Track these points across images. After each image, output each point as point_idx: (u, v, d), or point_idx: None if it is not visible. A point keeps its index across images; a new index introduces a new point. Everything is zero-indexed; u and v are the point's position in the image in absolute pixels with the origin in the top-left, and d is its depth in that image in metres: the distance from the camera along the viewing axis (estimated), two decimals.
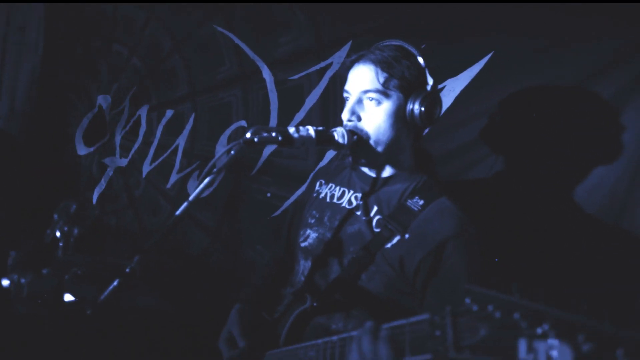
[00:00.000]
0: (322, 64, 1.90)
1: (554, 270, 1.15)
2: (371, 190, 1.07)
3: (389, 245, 0.97)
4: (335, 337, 0.81)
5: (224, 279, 2.23)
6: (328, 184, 1.18)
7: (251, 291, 1.25)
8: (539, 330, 0.43)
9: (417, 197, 0.99)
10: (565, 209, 1.18)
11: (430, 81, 1.02)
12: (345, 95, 1.05)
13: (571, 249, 1.15)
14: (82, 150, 3.38)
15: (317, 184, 1.23)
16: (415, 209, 0.97)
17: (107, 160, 3.14)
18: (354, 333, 0.76)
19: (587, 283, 1.10)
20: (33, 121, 3.68)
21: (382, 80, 0.97)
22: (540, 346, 0.43)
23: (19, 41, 3.68)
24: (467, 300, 0.52)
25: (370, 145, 1.00)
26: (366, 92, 0.99)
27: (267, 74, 2.13)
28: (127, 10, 3.09)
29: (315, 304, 0.99)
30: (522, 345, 0.44)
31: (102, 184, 3.14)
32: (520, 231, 1.23)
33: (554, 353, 0.42)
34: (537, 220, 1.21)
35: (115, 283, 0.81)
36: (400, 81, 0.98)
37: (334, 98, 1.86)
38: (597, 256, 1.10)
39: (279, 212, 2.01)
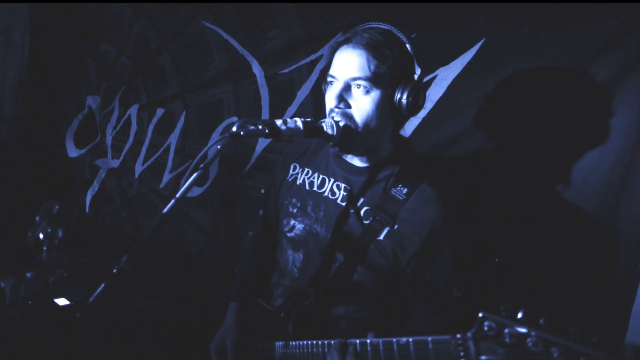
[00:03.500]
0: (312, 57, 1.88)
1: (553, 257, 1.14)
2: (345, 177, 1.06)
3: (381, 237, 0.97)
4: (355, 340, 0.85)
5: (221, 277, 2.21)
6: (304, 169, 1.16)
7: (241, 285, 1.25)
8: (549, 356, 0.53)
9: (400, 186, 1.00)
10: (562, 195, 1.17)
11: (418, 70, 1.00)
12: (329, 79, 1.01)
13: (568, 236, 1.14)
14: (73, 152, 3.34)
15: (292, 167, 1.19)
16: (400, 197, 0.98)
17: (99, 162, 3.10)
18: (371, 339, 0.82)
19: (583, 271, 1.10)
20: (22, 124, 3.63)
21: (372, 68, 0.94)
22: None
23: (5, 43, 3.62)
24: (486, 324, 0.62)
25: (357, 134, 0.99)
26: (355, 79, 0.96)
27: (257, 68, 2.11)
28: (114, 9, 3.04)
29: (313, 302, 0.99)
30: None
31: (95, 185, 3.11)
32: (517, 219, 1.22)
33: None
34: (534, 208, 1.20)
35: (102, 285, 0.79)
36: (390, 70, 0.95)
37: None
38: (593, 243, 1.10)
39: None
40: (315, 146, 1.20)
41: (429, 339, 0.72)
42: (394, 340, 0.77)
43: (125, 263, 0.80)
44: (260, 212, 1.33)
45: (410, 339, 0.75)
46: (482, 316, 0.63)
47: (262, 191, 2.06)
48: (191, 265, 2.38)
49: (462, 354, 0.66)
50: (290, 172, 1.18)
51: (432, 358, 0.71)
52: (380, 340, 0.79)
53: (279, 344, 1.04)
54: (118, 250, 2.88)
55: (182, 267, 2.41)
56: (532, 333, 0.56)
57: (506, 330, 0.59)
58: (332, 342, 0.86)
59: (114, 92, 3.04)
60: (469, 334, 0.65)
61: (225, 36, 2.26)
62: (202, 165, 0.84)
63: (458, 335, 0.67)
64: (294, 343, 1.00)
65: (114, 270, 0.78)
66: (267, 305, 1.13)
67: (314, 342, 0.94)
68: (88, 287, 0.81)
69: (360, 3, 1.69)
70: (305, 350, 0.96)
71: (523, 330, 0.57)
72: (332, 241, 1.02)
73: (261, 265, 1.26)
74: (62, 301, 1.68)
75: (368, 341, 0.81)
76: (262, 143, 2.07)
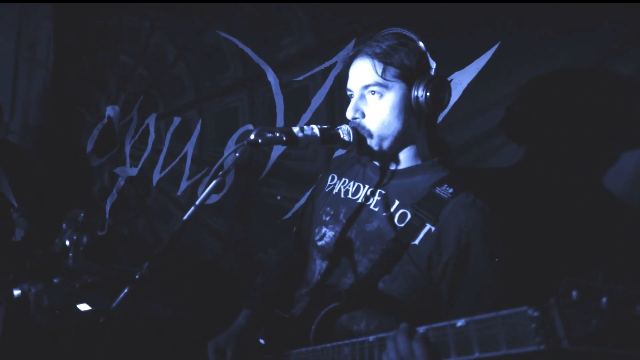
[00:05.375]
0: (327, 64, 1.89)
1: (581, 256, 1.11)
2: (382, 181, 1.03)
3: (416, 242, 0.93)
4: (371, 337, 0.82)
5: (237, 283, 2.23)
6: (341, 179, 1.15)
7: (257, 295, 1.23)
8: None
9: (445, 185, 0.95)
10: (591, 194, 1.14)
11: (433, 65, 0.99)
12: (348, 93, 1.03)
13: (599, 234, 1.11)
14: (93, 161, 3.43)
15: (330, 177, 1.19)
16: (445, 196, 0.93)
17: (118, 170, 3.18)
18: (390, 334, 0.77)
19: (617, 267, 1.06)
20: (46, 135, 3.76)
21: (380, 72, 0.94)
22: None
23: (30, 58, 3.77)
24: (574, 293, 0.51)
25: (373, 142, 0.98)
26: (366, 86, 0.97)
27: (271, 76, 2.13)
28: (132, 22, 3.13)
29: (338, 304, 0.96)
30: None
31: (114, 194, 3.18)
32: (545, 218, 1.19)
33: None
34: (561, 206, 1.17)
35: (125, 290, 0.80)
36: (400, 69, 0.95)
37: (340, 98, 1.84)
38: (628, 239, 1.06)
39: (289, 214, 2.00)
40: (354, 156, 1.18)
41: (497, 314, 0.61)
42: (451, 322, 0.68)
43: (146, 269, 0.82)
44: (294, 228, 1.32)
45: (474, 318, 0.65)
46: (568, 281, 0.51)
47: (278, 197, 2.08)
48: (206, 272, 2.40)
49: (542, 329, 0.55)
50: (328, 183, 1.18)
51: (502, 337, 0.60)
52: (437, 325, 0.71)
53: (295, 352, 1.01)
54: (136, 257, 2.93)
55: (197, 274, 2.44)
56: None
57: (603, 299, 0.48)
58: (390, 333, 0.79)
59: (132, 102, 3.11)
60: (552, 301, 0.54)
61: (240, 45, 2.30)
62: (220, 172, 0.86)
63: (532, 311, 0.56)
64: (310, 348, 0.96)
65: (137, 277, 0.80)
66: (284, 314, 1.10)
67: (330, 344, 0.90)
68: (110, 293, 0.83)
69: (373, 9, 1.70)
70: (324, 354, 0.91)
71: (626, 293, 0.47)
72: (360, 246, 1.00)
73: (284, 280, 1.24)
74: (83, 307, 1.72)
75: (434, 326, 0.73)
76: (277, 150, 2.09)
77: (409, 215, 0.96)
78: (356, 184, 1.10)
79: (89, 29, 3.52)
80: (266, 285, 1.26)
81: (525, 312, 0.58)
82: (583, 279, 0.51)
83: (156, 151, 2.85)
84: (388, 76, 0.95)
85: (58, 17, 3.72)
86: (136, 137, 3.04)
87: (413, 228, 0.93)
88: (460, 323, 0.68)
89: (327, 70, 1.89)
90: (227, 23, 2.39)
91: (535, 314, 0.57)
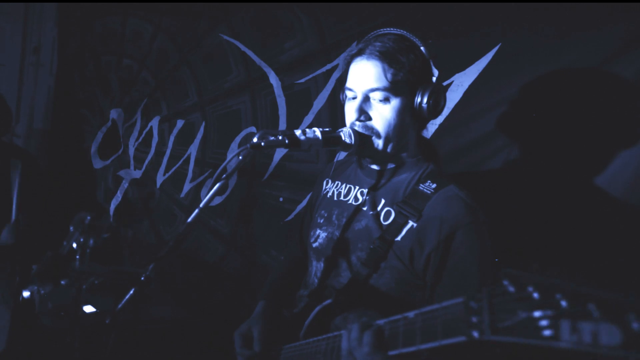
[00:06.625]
0: (328, 66, 1.91)
1: (577, 259, 1.12)
2: (377, 184, 1.06)
3: (399, 238, 0.95)
4: (343, 331, 0.84)
5: (240, 284, 2.24)
6: (334, 182, 1.18)
7: (271, 289, 1.26)
8: (584, 311, 0.43)
9: (429, 181, 0.98)
10: (588, 197, 1.15)
11: (435, 72, 1.01)
12: (348, 93, 1.02)
13: (595, 237, 1.11)
14: (97, 163, 3.46)
15: (324, 183, 1.23)
16: (429, 192, 0.96)
17: (122, 173, 3.20)
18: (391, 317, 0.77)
19: (614, 271, 1.07)
20: (51, 138, 3.79)
21: (389, 77, 0.95)
22: (585, 327, 0.42)
23: (35, 62, 3.80)
24: (505, 282, 0.51)
25: (379, 143, 1.00)
26: (374, 90, 0.97)
27: (274, 79, 2.15)
28: (135, 25, 3.16)
29: (331, 301, 0.99)
30: (565, 326, 0.44)
31: (118, 196, 3.20)
32: (541, 220, 1.20)
33: (602, 333, 0.41)
34: (559, 209, 1.17)
35: (131, 292, 0.82)
36: (407, 75, 0.96)
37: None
38: (622, 244, 1.07)
39: (291, 216, 2.01)
40: (347, 159, 1.21)
41: (440, 305, 0.62)
42: (402, 316, 0.69)
43: (151, 271, 0.83)
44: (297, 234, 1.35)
45: (421, 310, 0.66)
46: (502, 272, 0.52)
47: (281, 199, 2.09)
48: (210, 273, 2.41)
49: (474, 319, 0.55)
50: (324, 188, 1.21)
51: (439, 329, 0.61)
52: (394, 318, 0.72)
53: (286, 346, 1.05)
54: (140, 259, 2.95)
55: (201, 275, 2.45)
56: (561, 284, 0.45)
57: (529, 288, 0.48)
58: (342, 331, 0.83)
59: (136, 105, 3.14)
60: (484, 290, 0.54)
61: (243, 48, 2.32)
62: (224, 175, 0.87)
63: (468, 301, 0.56)
64: (296, 343, 0.99)
65: (142, 278, 0.81)
66: (286, 313, 1.14)
67: (312, 339, 0.93)
68: (115, 295, 0.85)
69: (375, 11, 1.71)
70: (306, 349, 0.95)
71: (550, 280, 0.47)
72: (350, 245, 1.03)
73: (289, 280, 1.27)
74: (88, 308, 1.74)
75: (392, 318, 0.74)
76: (279, 152, 2.10)
77: (393, 213, 0.98)
78: (348, 185, 1.12)
79: (93, 33, 3.55)
80: (274, 283, 1.30)
81: (462, 302, 0.58)
82: (520, 270, 0.51)
83: (159, 154, 2.87)
84: (396, 82, 0.96)
85: (62, 21, 3.75)
86: (140, 140, 3.07)
87: (397, 225, 0.96)
88: (411, 315, 0.68)
89: (329, 73, 1.90)
90: (230, 26, 2.41)
91: (472, 304, 0.56)
